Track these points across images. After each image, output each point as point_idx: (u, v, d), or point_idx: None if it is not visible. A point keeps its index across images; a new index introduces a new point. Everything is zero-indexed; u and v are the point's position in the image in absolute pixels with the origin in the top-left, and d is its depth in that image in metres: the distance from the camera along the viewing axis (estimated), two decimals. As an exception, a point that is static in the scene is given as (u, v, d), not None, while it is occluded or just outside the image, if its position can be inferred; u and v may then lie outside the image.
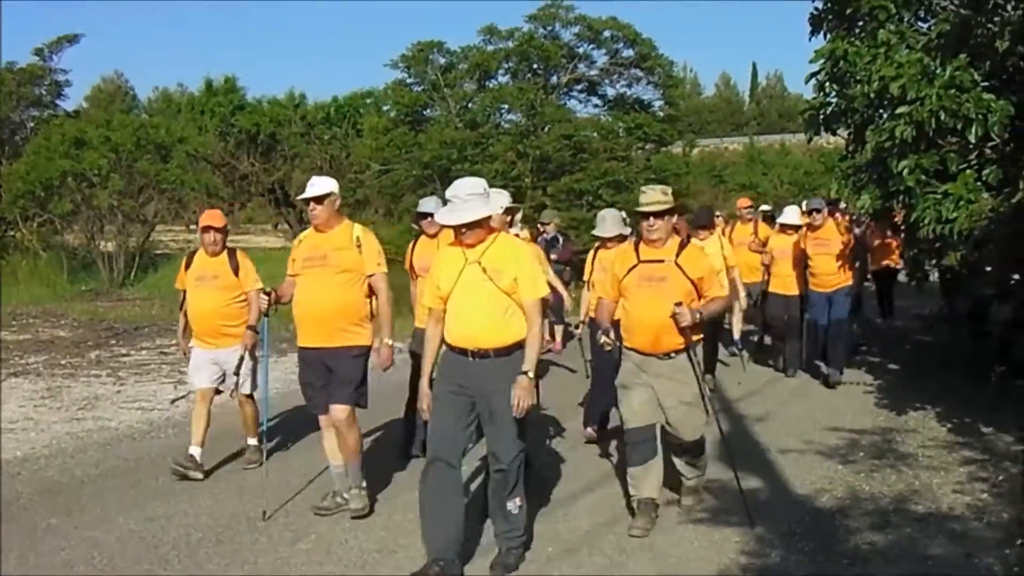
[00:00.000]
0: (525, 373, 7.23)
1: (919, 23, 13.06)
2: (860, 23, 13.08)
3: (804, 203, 17.95)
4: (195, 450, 10.07)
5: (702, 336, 8.60)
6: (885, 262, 19.27)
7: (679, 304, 8.04)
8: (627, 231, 11.51)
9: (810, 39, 13.91)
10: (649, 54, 33.59)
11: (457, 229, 7.41)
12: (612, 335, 8.51)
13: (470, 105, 33.24)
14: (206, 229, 10.36)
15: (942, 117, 10.96)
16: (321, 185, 8.74)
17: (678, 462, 8.86)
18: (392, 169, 32.11)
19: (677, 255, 8.39)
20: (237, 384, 10.41)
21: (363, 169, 34.81)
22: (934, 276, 16.98)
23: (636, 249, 8.62)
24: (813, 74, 12.87)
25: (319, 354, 8.69)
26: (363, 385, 8.77)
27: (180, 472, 9.91)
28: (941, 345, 16.73)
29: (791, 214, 16.01)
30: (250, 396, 10.61)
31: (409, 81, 34.25)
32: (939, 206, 11.27)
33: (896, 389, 13.79)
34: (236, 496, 9.44)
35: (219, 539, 8.27)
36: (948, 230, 11.21)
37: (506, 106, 33.06)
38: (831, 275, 14.95)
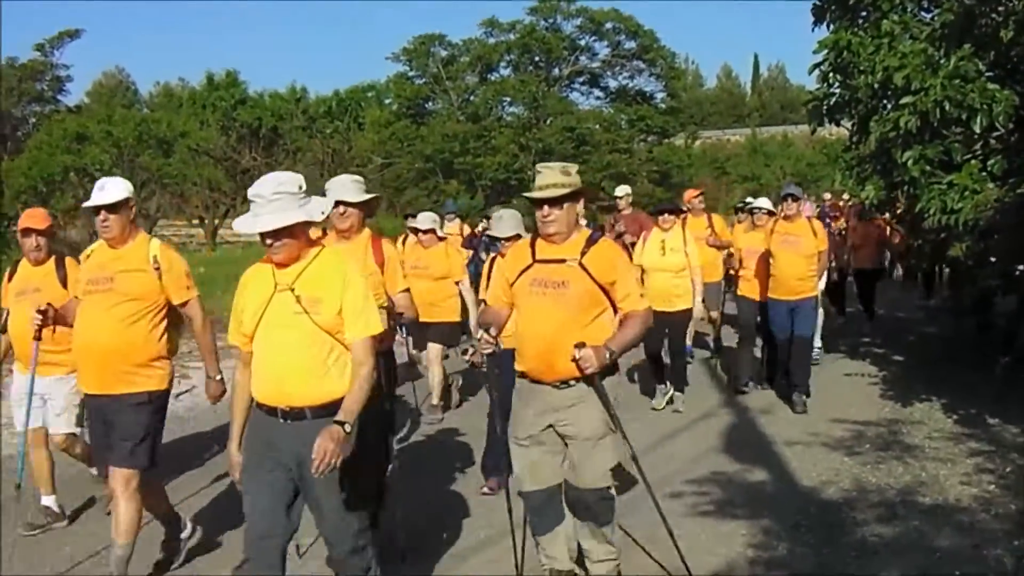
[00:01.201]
0: (341, 424, 5.34)
1: (923, 13, 13.06)
2: (864, 13, 13.07)
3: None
4: (48, 500, 8.77)
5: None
6: (868, 263, 18.89)
7: (581, 346, 6.13)
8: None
9: (813, 30, 13.88)
10: (651, 46, 33.67)
11: (263, 241, 5.57)
12: (492, 332, 6.47)
13: (472, 98, 33.33)
14: (26, 232, 8.53)
15: (946, 107, 10.94)
16: (114, 189, 7.06)
17: (582, 532, 6.93)
18: (394, 162, 32.17)
19: (583, 253, 6.45)
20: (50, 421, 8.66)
21: (365, 162, 34.86)
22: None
23: (532, 246, 6.69)
24: (816, 65, 12.85)
25: (97, 403, 7.14)
26: (145, 441, 7.03)
27: (37, 529, 8.52)
28: (946, 336, 16.69)
29: (765, 201, 14.74)
30: (72, 435, 8.78)
31: (411, 74, 34.37)
32: (944, 196, 11.24)
33: (902, 380, 13.75)
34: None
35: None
36: (953, 220, 11.18)
37: (508, 99, 33.17)
38: (797, 280, 12.75)
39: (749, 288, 13.81)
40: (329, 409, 5.46)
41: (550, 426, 6.53)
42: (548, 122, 31.96)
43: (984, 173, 11.43)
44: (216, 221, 38.50)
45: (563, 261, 6.46)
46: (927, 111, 11.02)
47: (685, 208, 15.50)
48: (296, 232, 5.53)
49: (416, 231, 13.08)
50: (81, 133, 30.71)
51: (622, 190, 17.19)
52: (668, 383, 12.91)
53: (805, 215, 16.95)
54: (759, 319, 13.79)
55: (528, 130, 31.11)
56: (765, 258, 13.17)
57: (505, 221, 9.92)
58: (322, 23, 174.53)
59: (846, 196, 26.03)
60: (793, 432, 11.22)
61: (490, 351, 6.52)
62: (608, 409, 6.42)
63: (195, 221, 41.18)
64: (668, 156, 33.73)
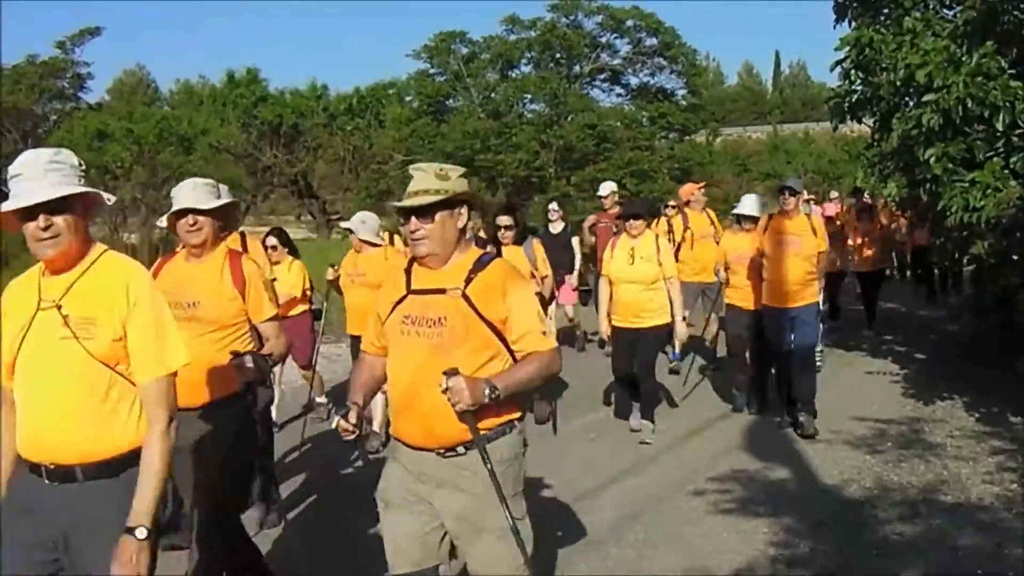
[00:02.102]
0: (131, 531, 3.98)
1: (945, 10, 13.04)
2: (885, 10, 13.09)
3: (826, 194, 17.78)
4: None
5: (515, 415, 5.01)
6: (868, 265, 18.70)
7: (452, 373, 4.63)
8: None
9: (835, 27, 13.91)
10: (672, 43, 33.59)
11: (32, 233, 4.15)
12: (352, 417, 4.86)
13: (493, 95, 33.27)
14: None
15: (969, 105, 10.95)
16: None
17: None
18: (415, 159, 32.00)
19: (467, 281, 4.89)
20: None
21: (386, 160, 34.88)
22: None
23: (408, 272, 5.09)
24: (838, 62, 12.85)
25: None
26: None
27: None
28: (968, 334, 16.64)
29: (749, 203, 12.49)
30: None
31: (432, 71, 34.33)
32: (966, 194, 11.24)
33: (923, 378, 13.70)
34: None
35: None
36: (975, 218, 11.16)
37: (529, 96, 33.10)
38: (797, 286, 11.31)
39: (739, 297, 12.27)
40: (110, 468, 4.17)
41: (428, 505, 4.97)
42: (569, 119, 31.90)
43: (1006, 171, 11.41)
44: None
45: (443, 291, 4.91)
46: (949, 108, 11.02)
47: (684, 203, 15.34)
48: (76, 222, 4.21)
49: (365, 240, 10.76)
50: (102, 131, 30.85)
51: (606, 187, 16.71)
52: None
53: (827, 213, 16.82)
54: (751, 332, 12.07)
55: (549, 127, 31.05)
56: (757, 262, 11.71)
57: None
58: (343, 20, 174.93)
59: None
60: (815, 430, 11.21)
61: (351, 438, 4.94)
62: (498, 488, 4.72)
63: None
64: (689, 153, 33.63)
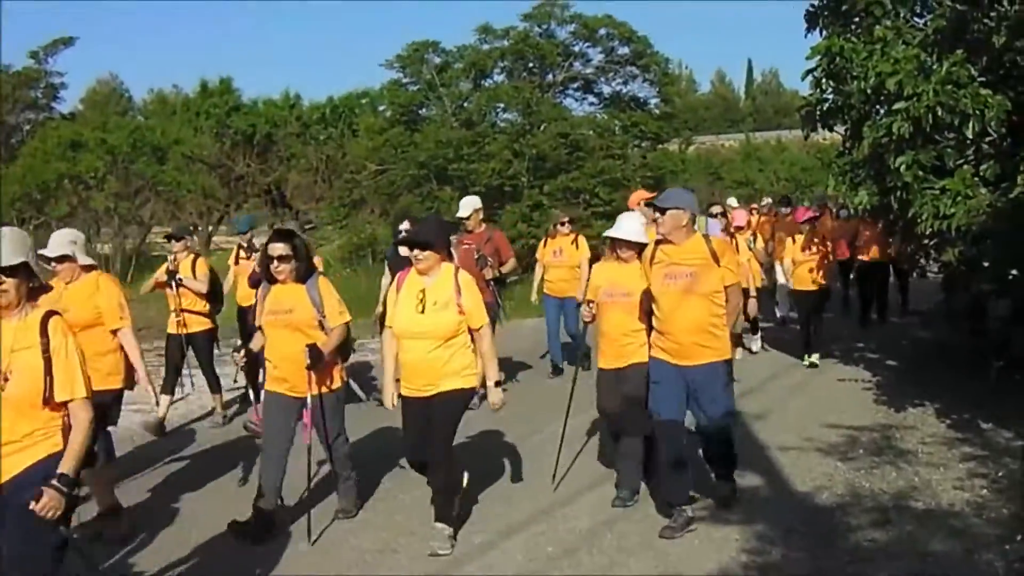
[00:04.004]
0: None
1: (915, 19, 13.10)
2: (856, 19, 13.14)
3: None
4: None
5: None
6: (870, 255, 18.75)
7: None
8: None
9: (806, 35, 13.98)
10: (644, 52, 33.56)
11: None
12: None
13: (466, 104, 33.18)
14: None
15: (939, 113, 11.00)
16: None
17: None
18: (388, 169, 32.03)
19: None
20: None
21: (359, 169, 34.74)
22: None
23: None
24: (810, 71, 12.89)
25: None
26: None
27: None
28: (940, 341, 16.71)
29: (627, 224, 9.23)
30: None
31: (405, 81, 34.20)
32: (937, 202, 11.29)
33: (895, 385, 13.75)
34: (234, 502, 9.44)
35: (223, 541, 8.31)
36: (946, 226, 11.22)
37: (502, 105, 32.99)
38: (694, 335, 8.30)
39: (611, 352, 9.27)
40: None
41: None
42: (542, 128, 31.85)
43: (977, 178, 11.49)
44: (210, 228, 38.54)
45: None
46: (920, 116, 11.07)
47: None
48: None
49: (64, 260, 8.89)
50: (75, 140, 30.84)
51: (468, 205, 13.86)
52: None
53: (737, 223, 16.21)
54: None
55: (522, 136, 31.00)
56: (647, 304, 8.77)
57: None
58: (316, 30, 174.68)
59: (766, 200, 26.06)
60: (787, 437, 11.23)
61: None
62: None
63: (189, 228, 41.25)
64: (662, 162, 33.63)
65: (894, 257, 18.54)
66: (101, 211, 29.26)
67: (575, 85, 35.16)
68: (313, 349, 8.26)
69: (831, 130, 14.06)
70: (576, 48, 34.02)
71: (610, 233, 9.33)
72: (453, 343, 8.15)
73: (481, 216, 13.92)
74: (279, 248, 8.47)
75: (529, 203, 29.46)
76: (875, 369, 15.08)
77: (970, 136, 11.24)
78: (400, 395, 8.39)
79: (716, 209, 15.90)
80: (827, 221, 18.91)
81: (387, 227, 31.47)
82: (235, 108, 41.54)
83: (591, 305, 9.31)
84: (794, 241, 16.41)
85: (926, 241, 13.51)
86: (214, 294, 13.27)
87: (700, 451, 9.24)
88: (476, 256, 13.05)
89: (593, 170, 30.55)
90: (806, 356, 15.81)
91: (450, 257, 8.85)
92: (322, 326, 8.53)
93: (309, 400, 8.51)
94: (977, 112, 11.02)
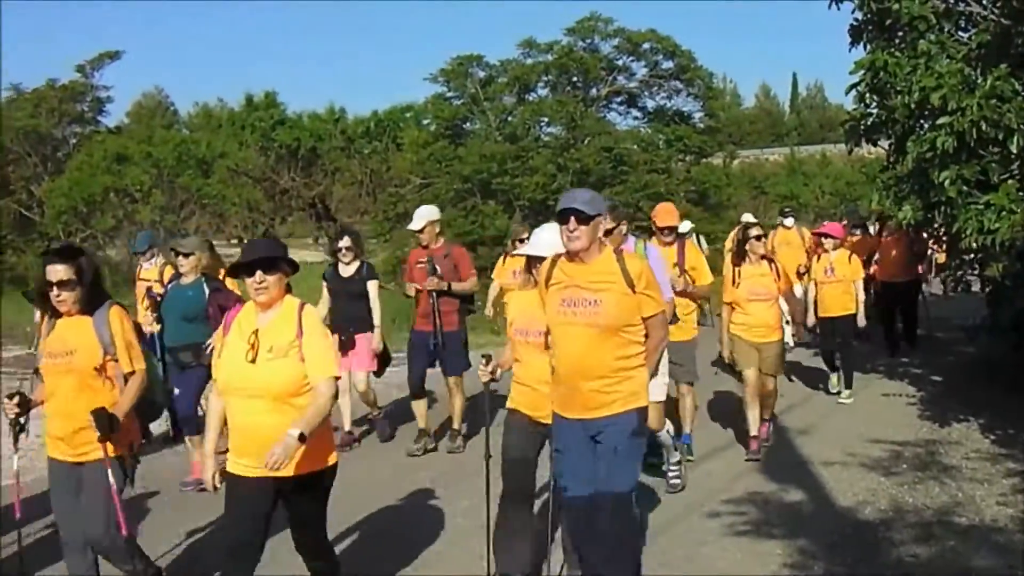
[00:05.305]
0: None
1: (959, 33, 13.03)
2: (900, 33, 13.09)
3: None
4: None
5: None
6: (896, 273, 17.37)
7: None
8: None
9: (850, 50, 13.91)
10: (688, 66, 33.52)
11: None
12: None
13: (510, 118, 33.22)
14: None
15: (983, 127, 10.95)
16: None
17: None
18: (432, 183, 32.10)
19: None
20: None
21: (403, 183, 34.85)
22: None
23: None
24: (853, 85, 12.86)
25: None
26: None
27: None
28: (984, 356, 16.62)
29: (548, 238, 7.17)
30: None
31: (449, 95, 34.27)
32: (981, 217, 11.23)
33: (939, 400, 13.69)
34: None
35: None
36: (990, 241, 11.17)
37: (546, 119, 33.03)
38: (595, 378, 6.54)
39: (524, 400, 7.40)
40: None
41: None
42: (586, 142, 31.84)
43: (1021, 193, 11.42)
44: (255, 241, 38.80)
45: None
46: (964, 131, 11.03)
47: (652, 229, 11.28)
48: None
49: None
50: (121, 154, 31.12)
51: (422, 217, 12.00)
52: None
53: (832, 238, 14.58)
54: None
55: (566, 150, 30.99)
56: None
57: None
58: (360, 44, 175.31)
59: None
60: (830, 452, 11.20)
61: None
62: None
63: (233, 241, 41.41)
64: (706, 176, 33.54)
65: (919, 276, 17.82)
66: (146, 224, 29.40)
67: (619, 99, 35.15)
68: (99, 416, 6.67)
69: (875, 144, 14.05)
70: (620, 62, 34.01)
71: (526, 250, 7.39)
72: (295, 404, 6.17)
73: (438, 229, 12.11)
74: (59, 271, 6.79)
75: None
76: (919, 384, 15.00)
77: (1014, 151, 11.18)
78: (225, 472, 6.45)
79: (755, 232, 11.72)
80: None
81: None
82: (280, 122, 41.77)
83: (491, 361, 7.31)
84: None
85: (970, 256, 13.44)
86: None
87: (572, 527, 6.98)
88: (424, 261, 11.72)
89: (637, 184, 30.54)
90: (831, 379, 14.88)
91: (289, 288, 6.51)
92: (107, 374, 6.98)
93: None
94: (1021, 126, 10.98)
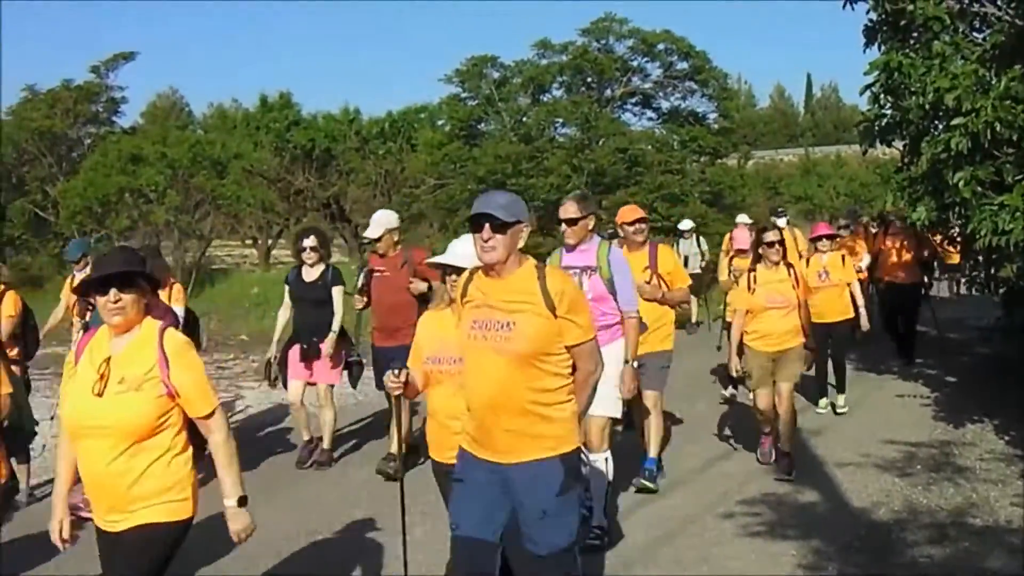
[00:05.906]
0: None
1: (974, 34, 13.01)
2: (914, 34, 13.08)
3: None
4: None
5: None
6: (898, 274, 16.79)
7: None
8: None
9: (864, 51, 13.90)
10: (703, 67, 33.49)
11: None
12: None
13: (524, 119, 33.22)
14: None
15: (998, 128, 10.93)
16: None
17: None
18: (447, 183, 32.15)
19: None
20: None
21: (418, 184, 34.91)
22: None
23: None
24: (868, 86, 12.86)
25: None
26: None
27: None
28: (999, 357, 16.59)
29: (463, 250, 6.05)
30: None
31: (463, 96, 34.29)
32: (995, 217, 11.20)
33: (954, 401, 13.67)
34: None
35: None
36: (1004, 241, 11.15)
37: (560, 120, 33.04)
38: (508, 415, 5.40)
39: (432, 435, 6.41)
40: None
41: None
42: (600, 143, 31.81)
43: (1035, 194, 11.42)
44: (269, 241, 38.81)
45: None
46: (978, 132, 11.02)
47: (619, 235, 10.58)
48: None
49: None
50: (136, 154, 31.10)
51: (379, 224, 11.19)
52: None
53: (738, 245, 14.42)
54: None
55: (580, 151, 30.96)
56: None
57: None
58: (375, 45, 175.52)
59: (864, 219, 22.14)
60: (844, 453, 11.21)
61: None
62: None
63: (248, 241, 41.46)
64: (721, 177, 33.47)
65: (922, 280, 17.20)
66: (161, 224, 29.49)
67: (633, 100, 35.12)
68: None
69: (889, 146, 14.03)
70: (634, 63, 33.98)
71: (440, 259, 6.29)
72: (149, 447, 5.21)
73: (396, 238, 11.22)
74: None
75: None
76: (933, 385, 14.98)
77: (1029, 152, 11.20)
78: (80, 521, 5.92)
79: (771, 236, 10.83)
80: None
81: (445, 241, 31.59)
82: (294, 123, 41.77)
83: (403, 372, 6.02)
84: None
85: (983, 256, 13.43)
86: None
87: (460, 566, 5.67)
88: (403, 263, 10.90)
89: (652, 185, 30.51)
90: (821, 400, 13.85)
91: (148, 309, 5.43)
92: None
93: None
94: (1036, 128, 10.99)
